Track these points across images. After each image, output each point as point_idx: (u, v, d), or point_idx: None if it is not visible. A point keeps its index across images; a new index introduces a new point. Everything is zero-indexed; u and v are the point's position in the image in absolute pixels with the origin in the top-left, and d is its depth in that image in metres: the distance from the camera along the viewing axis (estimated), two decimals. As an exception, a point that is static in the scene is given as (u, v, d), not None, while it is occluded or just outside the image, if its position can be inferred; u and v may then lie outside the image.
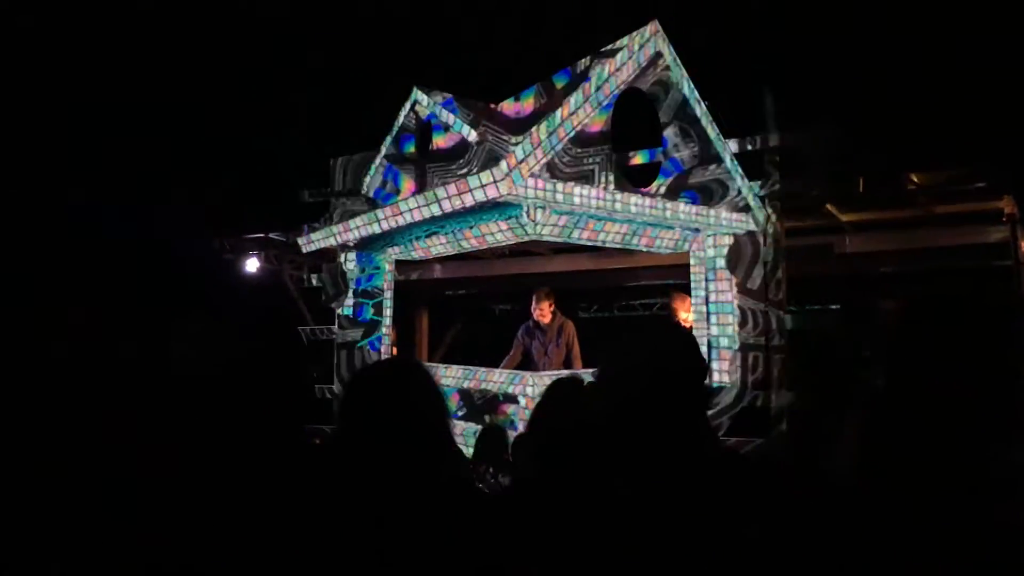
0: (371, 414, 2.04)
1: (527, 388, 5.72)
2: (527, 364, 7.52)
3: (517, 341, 7.78)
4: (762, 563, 1.64)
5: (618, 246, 6.21)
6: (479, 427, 6.00)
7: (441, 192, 4.88)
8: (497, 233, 5.59)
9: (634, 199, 5.32)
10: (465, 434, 5.96)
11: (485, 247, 6.49)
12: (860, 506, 1.65)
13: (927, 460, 1.60)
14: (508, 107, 5.91)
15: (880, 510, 1.61)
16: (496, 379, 6.19)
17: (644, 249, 6.40)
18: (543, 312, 7.59)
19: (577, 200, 4.92)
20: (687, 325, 6.65)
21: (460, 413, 6.38)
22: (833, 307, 12.72)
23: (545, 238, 5.67)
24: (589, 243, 6.04)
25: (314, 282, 8.33)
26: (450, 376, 6.62)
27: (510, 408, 5.96)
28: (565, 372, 6.21)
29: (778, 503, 1.76)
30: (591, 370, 5.89)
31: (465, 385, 6.42)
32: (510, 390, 5.92)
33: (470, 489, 2.37)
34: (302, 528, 1.95)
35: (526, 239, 5.71)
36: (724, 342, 6.35)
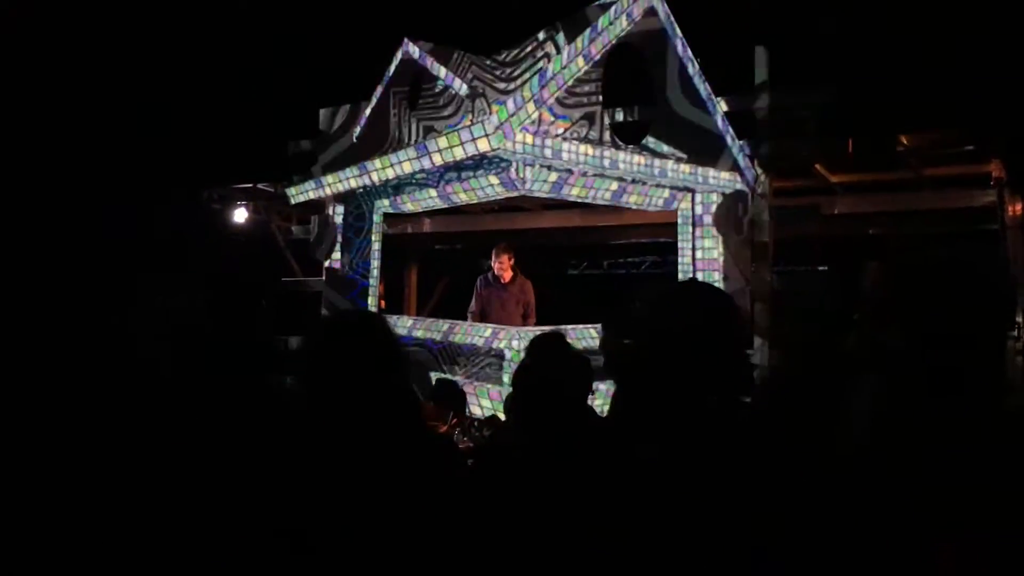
0: (330, 365, 2.06)
1: (512, 342, 5.74)
2: (482, 317, 7.58)
3: (476, 292, 7.82)
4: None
5: (608, 203, 6.21)
6: (470, 381, 6.04)
7: (431, 145, 4.87)
8: (487, 187, 5.59)
9: (622, 156, 5.31)
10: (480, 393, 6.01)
11: (475, 202, 6.48)
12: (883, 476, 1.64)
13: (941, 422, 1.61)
14: (500, 60, 5.86)
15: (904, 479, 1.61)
16: (480, 334, 6.20)
17: (634, 207, 6.41)
18: (503, 265, 7.62)
19: (565, 156, 4.92)
20: None
21: (446, 368, 6.40)
22: (821, 268, 12.79)
23: (535, 194, 5.67)
24: (579, 200, 6.04)
25: (302, 233, 8.30)
26: (432, 330, 6.63)
27: (499, 362, 5.98)
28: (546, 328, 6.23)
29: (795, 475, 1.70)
30: (572, 327, 5.93)
31: (449, 339, 6.44)
32: (494, 344, 5.94)
33: (433, 439, 2.40)
34: (269, 483, 1.97)
35: (515, 194, 5.71)
36: (710, 301, 6.37)
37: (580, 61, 4.99)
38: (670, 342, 1.76)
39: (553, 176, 5.42)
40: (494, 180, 5.43)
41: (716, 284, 6.39)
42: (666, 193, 6.39)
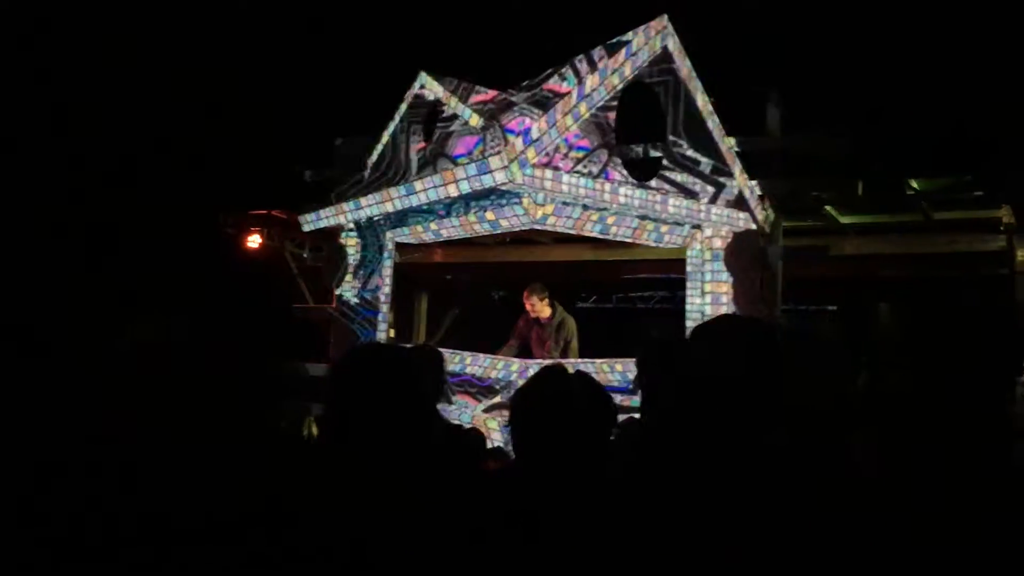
0: (355, 396, 2.04)
1: (519, 374, 5.77)
2: (523, 355, 7.55)
3: (516, 330, 7.80)
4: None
5: (626, 239, 6.24)
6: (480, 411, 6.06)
7: (455, 174, 4.89)
8: (512, 219, 5.61)
9: (623, 190, 5.30)
10: (462, 418, 6.04)
11: (495, 232, 6.52)
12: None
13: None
14: (514, 96, 5.93)
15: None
16: (499, 366, 6.22)
17: (652, 243, 6.42)
18: (534, 307, 7.60)
19: (566, 188, 4.93)
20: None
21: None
22: (830, 308, 12.81)
23: (548, 228, 5.71)
24: (600, 235, 6.07)
25: (314, 260, 8.34)
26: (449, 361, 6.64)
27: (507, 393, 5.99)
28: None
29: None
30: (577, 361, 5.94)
31: (461, 369, 6.46)
32: (511, 377, 5.96)
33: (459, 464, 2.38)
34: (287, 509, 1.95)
35: (527, 227, 5.75)
36: (719, 337, 6.36)
37: (601, 93, 5.05)
38: (728, 381, 1.68)
39: (565, 210, 5.46)
40: (518, 211, 5.45)
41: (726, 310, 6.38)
42: (684, 231, 6.42)
